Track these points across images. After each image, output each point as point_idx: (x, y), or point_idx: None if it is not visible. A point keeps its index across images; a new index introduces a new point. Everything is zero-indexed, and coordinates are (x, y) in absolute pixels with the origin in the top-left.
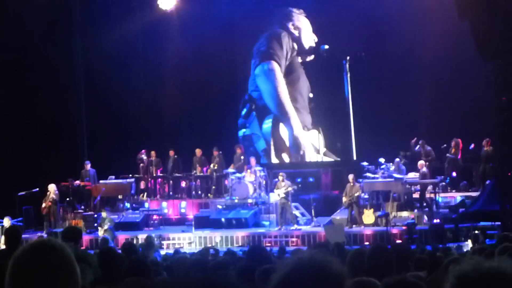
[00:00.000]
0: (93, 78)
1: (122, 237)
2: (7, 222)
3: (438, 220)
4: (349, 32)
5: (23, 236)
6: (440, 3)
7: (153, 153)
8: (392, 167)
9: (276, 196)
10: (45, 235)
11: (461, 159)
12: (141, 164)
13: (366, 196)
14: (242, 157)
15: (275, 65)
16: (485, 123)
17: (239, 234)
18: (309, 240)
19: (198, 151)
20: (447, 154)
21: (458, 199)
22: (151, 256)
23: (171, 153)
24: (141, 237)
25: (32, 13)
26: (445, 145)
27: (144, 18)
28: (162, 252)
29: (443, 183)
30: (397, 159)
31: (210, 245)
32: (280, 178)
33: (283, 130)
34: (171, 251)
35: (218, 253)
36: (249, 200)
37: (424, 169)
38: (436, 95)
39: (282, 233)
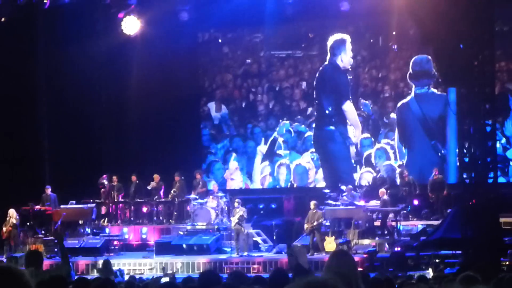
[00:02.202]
0: (55, 101)
1: (82, 262)
2: None
3: (399, 248)
4: None
5: None
6: None
7: (114, 178)
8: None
9: (232, 222)
10: (4, 260)
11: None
12: (102, 189)
13: (328, 223)
14: (200, 183)
15: None
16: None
17: (201, 260)
18: (271, 267)
19: (156, 177)
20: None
21: (420, 227)
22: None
23: (133, 178)
24: (100, 262)
25: None
26: (405, 174)
27: (108, 41)
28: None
29: (405, 211)
30: (350, 186)
31: (170, 272)
32: (236, 204)
33: None
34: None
35: (174, 280)
36: (211, 226)
37: (385, 196)
38: None
39: (243, 260)
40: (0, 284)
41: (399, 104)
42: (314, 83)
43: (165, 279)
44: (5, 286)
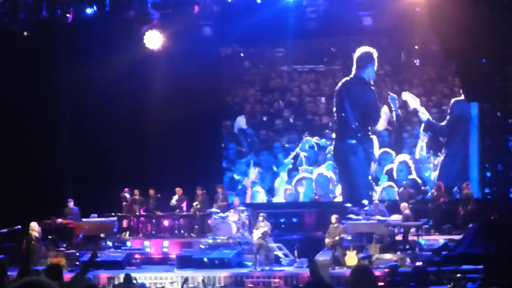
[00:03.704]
0: (78, 115)
1: (103, 275)
2: None
3: (421, 263)
4: None
5: None
6: None
7: (136, 191)
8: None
9: (255, 236)
10: None
11: (443, 203)
12: (124, 203)
13: (349, 238)
14: (220, 196)
15: None
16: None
17: (222, 274)
18: (292, 281)
19: (178, 190)
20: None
21: (441, 242)
22: None
23: (151, 192)
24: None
25: (18, 49)
26: (427, 187)
27: (130, 56)
28: None
29: (426, 226)
30: (377, 201)
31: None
32: (260, 218)
33: None
34: None
35: None
36: (232, 240)
37: (407, 211)
38: None
39: (265, 274)
40: None
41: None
42: (336, 93)
43: None
44: None
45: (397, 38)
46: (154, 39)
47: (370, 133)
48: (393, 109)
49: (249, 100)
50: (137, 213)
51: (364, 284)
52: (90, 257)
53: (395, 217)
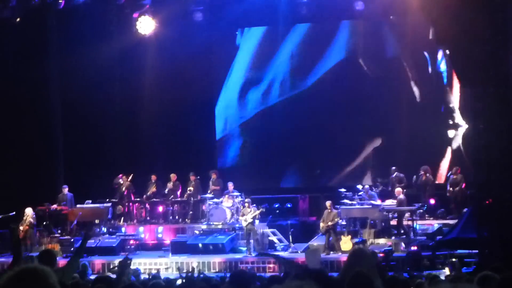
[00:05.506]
0: (70, 101)
1: (98, 261)
2: None
3: (415, 248)
4: None
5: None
6: None
7: (124, 177)
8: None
9: (243, 222)
10: None
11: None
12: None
13: (344, 223)
14: (214, 182)
15: None
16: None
17: (216, 260)
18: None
19: (172, 176)
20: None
21: (436, 226)
22: (127, 281)
23: (153, 178)
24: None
25: (7, 35)
26: (421, 173)
27: (122, 42)
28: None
29: (421, 210)
30: (367, 186)
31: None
32: (246, 204)
33: None
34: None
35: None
36: (226, 226)
37: (401, 196)
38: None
39: (259, 259)
40: (26, 285)
41: None
42: None
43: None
44: (32, 286)
45: (389, 23)
46: (146, 25)
47: None
48: None
49: None
50: (126, 199)
51: (362, 266)
52: (82, 239)
53: (389, 202)
